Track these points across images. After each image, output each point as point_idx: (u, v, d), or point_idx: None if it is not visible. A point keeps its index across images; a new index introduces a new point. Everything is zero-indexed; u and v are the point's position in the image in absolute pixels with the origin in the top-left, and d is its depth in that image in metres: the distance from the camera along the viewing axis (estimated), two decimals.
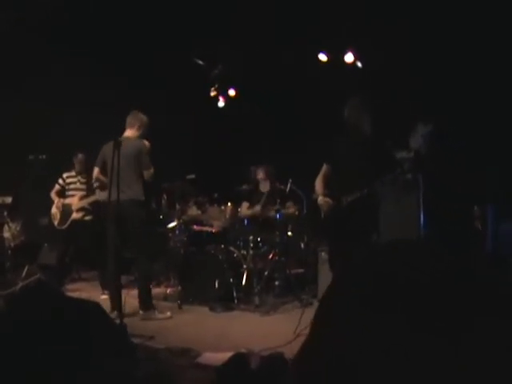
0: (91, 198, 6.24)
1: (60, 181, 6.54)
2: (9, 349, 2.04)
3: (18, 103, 6.89)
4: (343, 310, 1.20)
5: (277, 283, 5.93)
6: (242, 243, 5.98)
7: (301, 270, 6.39)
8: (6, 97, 6.73)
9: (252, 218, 6.30)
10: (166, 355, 3.44)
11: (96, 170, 5.22)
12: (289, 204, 6.39)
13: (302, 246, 6.65)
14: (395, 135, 4.77)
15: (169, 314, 4.97)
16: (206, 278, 5.60)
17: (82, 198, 6.34)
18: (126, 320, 3.89)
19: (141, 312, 4.84)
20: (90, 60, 6.86)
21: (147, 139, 5.18)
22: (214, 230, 6.44)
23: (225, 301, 5.38)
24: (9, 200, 7.01)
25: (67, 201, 6.41)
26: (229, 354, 2.94)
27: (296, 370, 1.40)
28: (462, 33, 5.82)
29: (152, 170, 5.03)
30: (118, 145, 4.35)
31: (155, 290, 5.59)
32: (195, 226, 6.51)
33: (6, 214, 7.03)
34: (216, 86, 8.57)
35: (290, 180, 6.25)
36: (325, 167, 4.49)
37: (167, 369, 3.14)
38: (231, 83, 8.67)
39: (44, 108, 6.87)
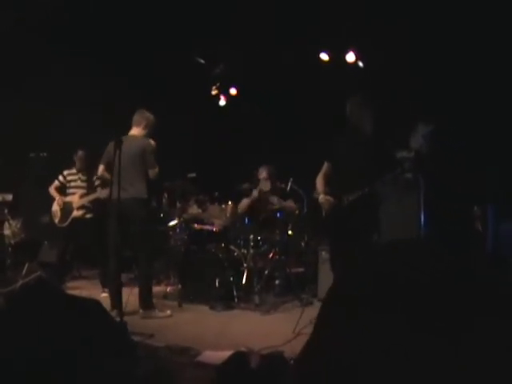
0: (92, 196, 6.24)
1: (60, 177, 6.53)
2: (9, 346, 2.04)
3: (18, 103, 6.88)
4: (344, 311, 1.20)
5: (277, 282, 5.93)
6: (242, 242, 5.98)
7: (301, 269, 6.39)
8: (6, 97, 6.72)
9: (252, 216, 6.30)
10: (166, 353, 3.44)
11: (101, 168, 5.21)
12: (289, 202, 6.40)
13: (303, 245, 6.65)
14: (396, 135, 4.78)
15: (169, 312, 4.97)
16: (207, 276, 5.61)
17: (82, 196, 6.34)
18: (126, 318, 3.89)
19: (141, 311, 4.84)
20: (90, 60, 6.84)
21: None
22: (214, 229, 6.44)
23: (225, 299, 5.37)
24: (9, 197, 7.02)
25: (68, 198, 6.41)
26: (229, 353, 2.94)
27: (297, 369, 1.40)
28: (461, 33, 5.82)
29: (157, 169, 5.03)
30: (118, 144, 4.35)
31: (155, 289, 5.58)
32: (196, 225, 6.50)
33: (6, 211, 7.04)
34: (218, 84, 8.57)
35: (291, 179, 6.27)
36: (326, 165, 4.48)
37: (167, 367, 3.14)
38: (233, 82, 8.66)
39: (44, 108, 6.86)
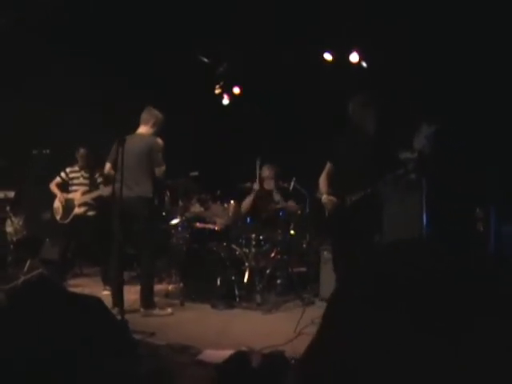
0: (94, 194, 6.25)
1: (62, 174, 6.53)
2: (10, 345, 2.04)
3: (18, 103, 6.87)
4: (347, 312, 1.20)
5: (279, 281, 5.93)
6: (244, 241, 5.97)
7: (303, 269, 6.39)
8: (6, 97, 6.72)
9: (254, 216, 6.30)
10: (167, 352, 3.45)
11: (108, 166, 5.19)
12: (291, 202, 6.40)
13: (305, 244, 6.64)
14: (399, 135, 4.77)
15: (170, 310, 4.97)
16: (208, 275, 5.61)
17: (84, 193, 6.35)
18: (127, 316, 3.90)
19: (141, 309, 4.85)
20: (90, 60, 6.83)
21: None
22: (216, 228, 6.44)
23: (227, 298, 5.38)
24: (11, 194, 7.03)
25: (70, 195, 6.42)
26: (230, 352, 2.95)
27: (301, 370, 1.40)
28: (461, 33, 5.80)
29: (164, 168, 5.01)
30: (121, 143, 4.35)
31: (157, 287, 5.59)
32: (198, 224, 6.50)
33: (8, 208, 7.04)
34: (221, 83, 8.56)
35: (294, 178, 6.27)
36: (328, 165, 4.48)
37: (168, 365, 3.14)
38: (236, 81, 8.65)
39: (44, 108, 6.85)
